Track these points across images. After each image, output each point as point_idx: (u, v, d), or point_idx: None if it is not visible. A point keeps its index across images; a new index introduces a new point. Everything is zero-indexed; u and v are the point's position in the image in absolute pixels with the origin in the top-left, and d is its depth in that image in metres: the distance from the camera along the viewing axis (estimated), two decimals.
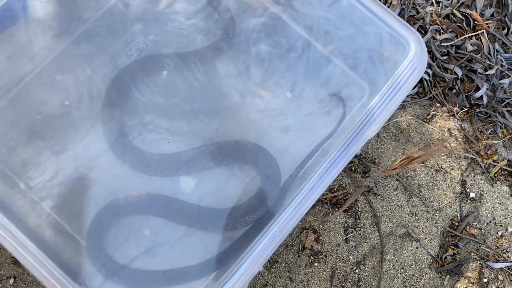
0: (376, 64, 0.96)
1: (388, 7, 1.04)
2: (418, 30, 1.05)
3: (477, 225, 0.96)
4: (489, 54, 1.04)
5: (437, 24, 1.05)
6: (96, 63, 0.96)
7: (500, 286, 0.93)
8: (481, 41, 1.04)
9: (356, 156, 0.97)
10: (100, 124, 0.93)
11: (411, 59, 0.79)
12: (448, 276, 0.93)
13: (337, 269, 0.92)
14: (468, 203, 0.97)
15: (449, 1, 1.08)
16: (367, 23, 0.88)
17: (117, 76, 0.95)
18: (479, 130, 1.00)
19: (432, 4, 1.07)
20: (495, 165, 0.99)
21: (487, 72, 1.02)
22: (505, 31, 1.06)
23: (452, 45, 1.04)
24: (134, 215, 0.89)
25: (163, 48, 0.99)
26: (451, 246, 0.95)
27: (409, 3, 1.06)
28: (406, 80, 0.79)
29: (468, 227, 0.96)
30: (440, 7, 1.07)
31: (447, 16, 1.07)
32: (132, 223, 0.89)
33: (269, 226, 0.80)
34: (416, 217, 0.96)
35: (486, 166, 0.99)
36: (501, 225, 0.96)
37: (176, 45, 1.00)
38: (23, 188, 0.87)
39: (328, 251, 0.93)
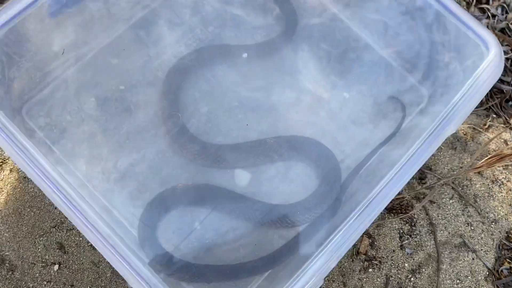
0: (437, 69, 0.95)
1: None
2: None
3: None
4: None
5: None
6: (154, 50, 0.94)
7: None
8: None
9: None
10: (155, 111, 0.90)
11: (491, 62, 0.78)
12: None
13: (391, 276, 0.88)
14: None
15: (504, 16, 1.08)
16: (440, 24, 0.87)
17: (176, 65, 0.93)
18: None
19: (488, 17, 1.08)
20: None
21: None
22: None
23: (508, 58, 1.04)
24: (187, 206, 0.85)
25: (221, 40, 0.97)
26: (507, 260, 0.92)
27: None
28: (484, 83, 0.77)
29: None
30: (495, 21, 1.07)
31: (502, 29, 1.07)
32: (185, 214, 0.85)
33: (334, 235, 0.74)
34: (472, 228, 0.93)
35: None
36: None
37: (234, 39, 0.98)
38: (73, 170, 0.84)
39: (383, 257, 0.89)
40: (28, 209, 0.83)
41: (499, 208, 0.95)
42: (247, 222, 0.86)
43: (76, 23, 0.87)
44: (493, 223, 0.94)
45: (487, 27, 1.06)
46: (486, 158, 0.77)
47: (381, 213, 0.92)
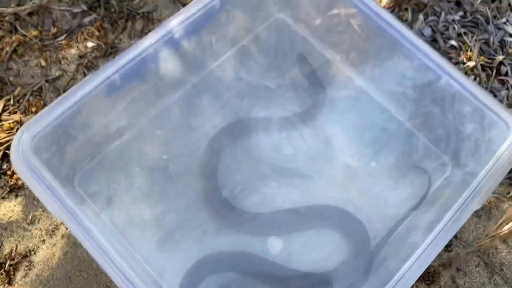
0: (459, 141, 1.00)
1: None
2: None
3: None
4: None
5: None
6: (195, 123, 1.02)
7: None
8: None
9: None
10: (195, 179, 0.97)
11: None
12: None
13: None
14: None
15: None
16: (462, 102, 0.93)
17: (214, 136, 1.00)
18: None
19: (507, 88, 1.13)
20: None
21: None
22: None
23: None
24: (224, 273, 0.90)
25: (255, 113, 1.05)
26: None
27: (486, 87, 1.12)
28: (506, 162, 0.82)
29: None
30: None
31: None
32: (222, 280, 0.90)
33: None
34: None
35: None
36: None
37: (267, 111, 1.06)
38: (119, 236, 0.90)
39: None
40: (77, 273, 0.89)
41: None
42: None
43: (127, 100, 0.96)
44: None
45: (507, 98, 1.12)
46: (499, 223, 0.81)
47: None
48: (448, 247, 0.99)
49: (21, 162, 0.77)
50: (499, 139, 0.87)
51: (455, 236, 1.00)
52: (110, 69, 0.84)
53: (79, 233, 0.75)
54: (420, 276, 0.95)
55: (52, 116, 0.82)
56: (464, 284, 0.96)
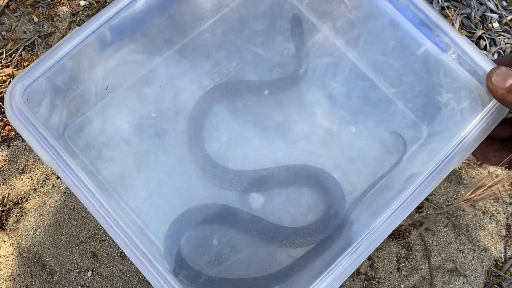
0: (436, 109, 1.05)
1: None
2: None
3: None
4: None
5: None
6: (183, 83, 1.06)
7: None
8: None
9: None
10: (183, 137, 1.01)
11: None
12: None
13: None
14: None
15: None
16: (440, 72, 0.98)
17: (202, 97, 1.04)
18: None
19: None
20: None
21: None
22: None
23: None
24: (206, 224, 0.96)
25: (243, 75, 1.08)
26: (495, 285, 1.01)
27: None
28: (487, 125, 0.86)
29: (511, 268, 1.02)
30: None
31: None
32: (205, 231, 0.95)
33: (340, 260, 0.82)
34: (463, 254, 1.02)
35: None
36: None
37: (254, 75, 1.09)
38: (108, 188, 0.95)
39: (381, 278, 0.99)
40: (67, 221, 0.94)
41: (489, 238, 1.04)
42: (260, 241, 0.96)
43: (117, 57, 0.99)
44: (483, 251, 1.03)
45: None
46: (474, 189, 0.87)
47: None
48: (419, 209, 1.05)
49: (14, 114, 0.80)
50: (472, 110, 0.91)
51: (426, 199, 1.06)
52: (99, 20, 0.86)
53: (70, 181, 0.79)
54: (392, 234, 1.02)
55: (42, 68, 0.84)
56: (432, 242, 1.02)
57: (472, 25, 1.22)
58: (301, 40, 1.10)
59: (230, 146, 1.02)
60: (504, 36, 1.22)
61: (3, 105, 0.96)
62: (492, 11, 1.25)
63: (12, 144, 0.98)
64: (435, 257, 1.01)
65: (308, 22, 1.14)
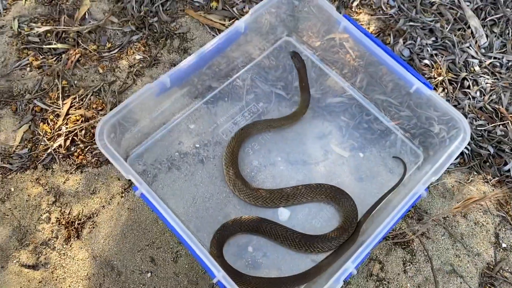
0: (430, 137, 1.27)
1: None
2: None
3: (509, 269, 1.20)
4: None
5: (473, 113, 1.39)
6: (220, 120, 1.30)
7: None
8: (507, 128, 1.37)
9: (413, 207, 1.25)
10: (220, 163, 1.24)
11: (464, 136, 1.11)
12: None
13: None
14: (501, 252, 1.22)
15: (482, 98, 1.42)
16: (431, 108, 1.21)
17: (237, 132, 1.27)
18: (508, 195, 1.28)
19: (469, 98, 1.41)
20: None
21: None
22: None
23: (485, 130, 1.36)
24: (243, 234, 1.16)
25: (268, 114, 1.32)
26: (488, 285, 1.18)
27: (452, 97, 1.40)
28: (459, 148, 1.09)
29: (501, 270, 1.20)
30: (475, 101, 1.41)
31: (480, 108, 1.40)
32: (241, 240, 1.15)
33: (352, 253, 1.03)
34: (460, 258, 1.21)
35: None
36: None
37: (277, 112, 1.33)
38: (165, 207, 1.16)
39: (390, 279, 1.17)
40: (130, 232, 1.15)
41: (481, 244, 1.23)
42: (288, 247, 1.15)
43: (170, 101, 1.24)
44: (476, 256, 1.21)
45: (468, 106, 1.40)
46: (462, 201, 1.07)
47: (389, 245, 1.21)
48: (420, 221, 1.25)
49: (102, 144, 1.03)
50: (458, 136, 1.14)
51: (426, 212, 1.26)
52: (162, 76, 1.12)
53: (146, 193, 1.00)
54: (398, 242, 1.21)
55: (116, 115, 1.09)
56: (432, 248, 1.21)
57: (457, 69, 1.47)
58: (303, 70, 1.31)
59: (260, 169, 1.25)
60: (484, 77, 1.46)
61: (79, 139, 1.20)
62: (473, 57, 1.50)
63: (84, 170, 1.21)
64: (435, 261, 1.20)
65: (320, 69, 1.40)
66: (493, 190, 1.29)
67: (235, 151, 1.24)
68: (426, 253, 1.20)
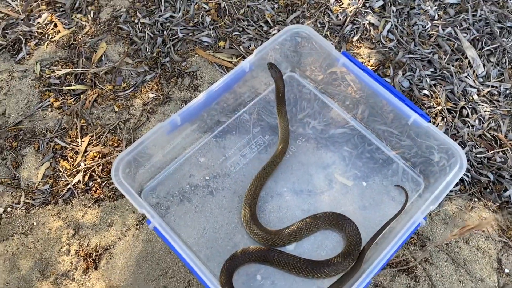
0: (430, 165, 1.32)
1: (436, 126, 1.44)
2: (459, 144, 1.43)
3: None
4: None
5: (473, 141, 1.43)
6: (228, 152, 1.37)
7: None
8: (506, 155, 1.41)
9: (415, 233, 1.29)
10: (230, 194, 1.30)
11: (460, 165, 1.16)
12: None
13: None
14: (504, 277, 1.25)
15: (481, 125, 1.47)
16: (427, 138, 1.26)
17: (244, 164, 1.34)
18: (509, 221, 1.32)
19: (468, 126, 1.46)
20: None
21: None
22: None
23: (484, 157, 1.41)
24: (252, 263, 1.21)
25: (274, 146, 1.39)
26: None
27: (452, 125, 1.46)
28: (456, 177, 1.14)
29: None
30: (474, 129, 1.46)
31: (479, 135, 1.45)
32: (250, 268, 1.21)
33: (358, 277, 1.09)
34: (463, 284, 1.24)
35: None
36: None
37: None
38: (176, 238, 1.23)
39: None
40: (144, 262, 1.21)
41: (484, 270, 1.26)
42: (295, 274, 1.20)
43: (180, 136, 1.32)
44: (479, 281, 1.24)
45: (467, 134, 1.45)
46: (459, 228, 1.11)
47: (393, 271, 1.25)
48: (423, 247, 1.29)
49: (117, 181, 1.11)
50: (457, 163, 1.19)
51: (428, 238, 1.30)
52: (173, 115, 1.20)
53: (159, 227, 1.07)
54: (402, 269, 1.25)
55: (130, 152, 1.17)
56: (436, 274, 1.25)
57: (456, 98, 1.52)
58: (280, 81, 1.34)
59: (267, 199, 1.31)
60: (482, 105, 1.51)
61: (96, 175, 1.28)
62: (471, 86, 1.55)
63: (101, 204, 1.29)
64: (439, 286, 1.23)
65: (323, 102, 1.47)
66: (494, 216, 1.33)
67: (243, 185, 1.31)
68: (429, 280, 1.24)
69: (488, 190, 1.37)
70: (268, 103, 1.46)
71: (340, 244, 1.25)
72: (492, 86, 1.56)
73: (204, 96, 1.24)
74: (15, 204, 1.28)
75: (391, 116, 1.38)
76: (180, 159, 1.35)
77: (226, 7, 1.66)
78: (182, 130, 1.31)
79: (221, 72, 1.54)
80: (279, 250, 1.22)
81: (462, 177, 1.18)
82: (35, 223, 1.25)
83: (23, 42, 1.55)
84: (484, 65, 1.59)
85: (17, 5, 1.62)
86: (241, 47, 1.59)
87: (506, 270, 1.26)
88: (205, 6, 1.65)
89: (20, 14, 1.59)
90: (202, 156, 1.36)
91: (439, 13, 1.71)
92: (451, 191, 1.36)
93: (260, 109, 1.45)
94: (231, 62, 1.56)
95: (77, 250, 1.22)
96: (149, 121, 1.42)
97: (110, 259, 1.21)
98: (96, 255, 1.21)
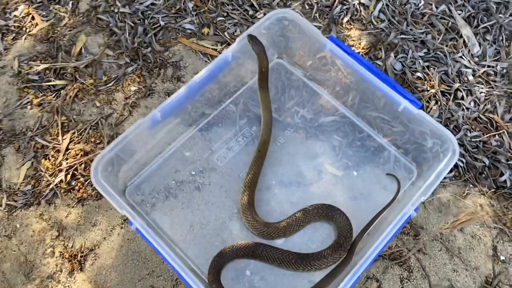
0: (423, 152, 1.28)
1: (429, 112, 1.39)
2: (453, 128, 1.38)
3: (508, 282, 1.20)
4: (510, 148, 1.35)
5: (468, 125, 1.38)
6: (215, 146, 1.33)
7: None
8: (503, 138, 1.36)
9: (408, 223, 1.26)
10: (217, 189, 1.27)
11: (453, 152, 1.12)
12: None
13: None
14: (499, 264, 1.22)
15: (476, 108, 1.42)
16: (419, 124, 1.21)
17: (231, 157, 1.30)
18: (505, 207, 1.28)
19: (463, 109, 1.41)
20: None
21: (509, 162, 1.32)
22: None
23: (480, 141, 1.36)
24: (240, 258, 1.19)
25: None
26: None
27: (446, 109, 1.40)
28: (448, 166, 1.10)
29: (500, 283, 1.20)
30: (469, 112, 1.41)
31: (475, 118, 1.40)
32: (239, 264, 1.18)
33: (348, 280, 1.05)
34: (457, 273, 1.21)
35: None
36: None
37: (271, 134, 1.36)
38: (161, 233, 1.20)
39: None
40: (131, 262, 1.19)
41: (479, 258, 1.23)
42: (285, 268, 1.17)
43: (164, 131, 1.28)
44: (474, 270, 1.21)
45: (462, 117, 1.39)
46: (452, 222, 1.08)
47: (386, 263, 1.22)
48: (416, 237, 1.25)
49: (97, 181, 1.08)
50: (450, 149, 1.15)
51: (422, 227, 1.26)
52: (153, 111, 1.16)
53: (141, 228, 1.04)
54: (395, 259, 1.22)
55: (113, 149, 1.13)
56: (429, 264, 1.22)
57: (450, 80, 1.47)
58: (262, 54, 1.27)
59: (256, 193, 1.27)
60: (478, 86, 1.46)
61: (79, 173, 1.24)
62: (466, 66, 1.49)
63: (85, 204, 1.26)
64: (433, 276, 1.20)
65: (312, 89, 1.42)
66: (490, 202, 1.29)
67: (231, 179, 1.27)
68: (423, 270, 1.21)
69: (483, 175, 1.33)
70: (255, 93, 1.40)
71: (331, 236, 1.22)
72: (488, 66, 1.50)
73: (186, 89, 1.19)
74: None
75: (383, 102, 1.33)
76: (165, 154, 1.31)
77: None
78: (166, 124, 1.27)
79: (205, 61, 1.48)
80: (267, 244, 1.19)
81: (456, 163, 1.14)
82: (18, 225, 1.23)
83: (0, 37, 1.49)
84: (480, 44, 1.53)
85: None
86: (226, 33, 1.53)
87: (502, 258, 1.23)
88: None
89: None
90: (187, 151, 1.32)
91: None
92: (445, 178, 1.31)
93: (247, 100, 1.40)
94: (215, 50, 1.50)
95: (61, 252, 1.19)
96: (132, 115, 1.38)
97: (96, 259, 1.19)
98: (81, 256, 1.19)
